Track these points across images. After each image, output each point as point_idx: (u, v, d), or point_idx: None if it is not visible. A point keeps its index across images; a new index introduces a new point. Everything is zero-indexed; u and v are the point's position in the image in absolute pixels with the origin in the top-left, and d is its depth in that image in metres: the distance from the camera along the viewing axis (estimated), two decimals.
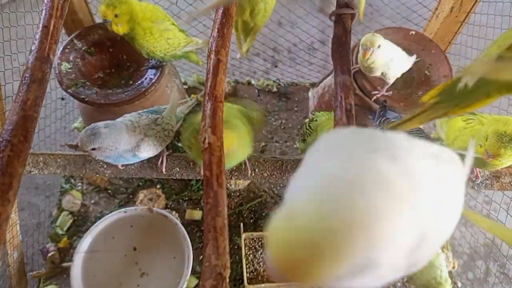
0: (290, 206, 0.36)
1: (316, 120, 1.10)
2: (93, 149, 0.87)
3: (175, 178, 1.09)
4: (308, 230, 0.33)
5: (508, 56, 0.53)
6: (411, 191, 0.36)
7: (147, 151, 0.95)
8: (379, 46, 1.04)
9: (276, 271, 0.35)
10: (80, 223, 1.44)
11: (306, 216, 0.34)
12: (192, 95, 1.62)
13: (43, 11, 0.84)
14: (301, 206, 0.35)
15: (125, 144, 0.90)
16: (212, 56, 0.81)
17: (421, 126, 1.16)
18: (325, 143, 0.46)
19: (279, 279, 0.37)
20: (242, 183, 1.48)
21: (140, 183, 1.50)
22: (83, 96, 1.22)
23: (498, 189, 1.06)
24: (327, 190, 0.35)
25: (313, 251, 0.32)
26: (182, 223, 1.27)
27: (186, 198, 1.47)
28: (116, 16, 1.05)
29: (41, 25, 0.83)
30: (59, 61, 1.27)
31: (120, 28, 1.08)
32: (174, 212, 1.41)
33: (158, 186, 1.48)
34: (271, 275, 0.38)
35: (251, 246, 1.34)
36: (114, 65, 1.40)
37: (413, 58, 1.19)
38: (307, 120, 1.17)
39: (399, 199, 0.35)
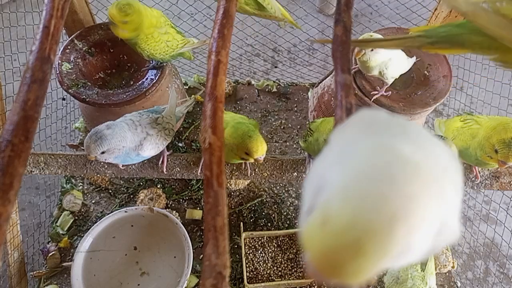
0: (324, 208, 0.36)
1: (315, 122, 1.11)
2: (102, 152, 0.87)
3: (175, 178, 1.10)
4: (349, 231, 0.33)
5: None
6: (434, 172, 0.37)
7: (150, 149, 0.95)
8: (371, 50, 1.04)
9: (321, 275, 0.35)
10: (81, 223, 1.44)
11: (344, 217, 0.34)
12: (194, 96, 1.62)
13: (44, 12, 0.85)
14: (336, 208, 0.35)
15: (130, 141, 0.91)
16: (213, 56, 0.81)
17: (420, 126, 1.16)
18: (341, 137, 0.45)
19: (324, 281, 0.37)
20: (242, 183, 1.48)
21: (141, 183, 1.50)
22: (84, 97, 1.22)
23: (498, 189, 1.06)
24: (359, 187, 0.35)
25: (357, 251, 0.32)
26: (182, 223, 1.27)
27: (187, 198, 1.48)
28: (124, 22, 1.05)
29: (41, 26, 0.83)
30: (60, 62, 1.28)
31: (124, 34, 1.07)
32: (174, 212, 1.42)
33: (158, 186, 1.49)
34: (315, 278, 0.39)
35: (251, 246, 1.35)
36: (115, 66, 1.40)
37: (412, 60, 1.19)
38: (307, 123, 1.18)
39: (427, 181, 0.35)
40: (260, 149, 0.93)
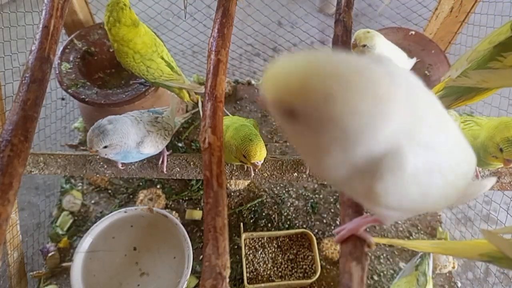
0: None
1: None
2: (105, 147, 0.87)
3: (175, 178, 1.09)
4: (319, 68, 0.38)
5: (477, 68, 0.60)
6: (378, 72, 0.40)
7: (150, 147, 0.95)
8: (364, 45, 1.02)
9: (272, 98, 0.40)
10: (80, 223, 1.44)
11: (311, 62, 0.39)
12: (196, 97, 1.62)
13: (43, 11, 0.84)
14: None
15: (133, 138, 0.91)
16: (212, 56, 0.81)
17: None
18: None
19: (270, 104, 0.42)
20: (242, 183, 1.48)
21: (140, 183, 1.50)
22: (83, 96, 1.22)
23: (498, 189, 1.06)
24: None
25: (327, 85, 0.37)
26: (182, 223, 1.27)
27: (186, 198, 1.48)
28: (109, 29, 1.06)
29: (41, 25, 0.83)
30: (59, 61, 1.28)
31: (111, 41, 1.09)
32: (174, 212, 1.41)
33: (158, 186, 1.48)
34: (269, 108, 0.43)
35: (251, 246, 1.34)
36: (114, 65, 1.40)
37: (413, 61, 1.19)
38: None
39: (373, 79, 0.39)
40: (259, 155, 0.91)
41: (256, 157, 0.91)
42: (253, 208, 1.46)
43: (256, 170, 1.06)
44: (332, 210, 1.47)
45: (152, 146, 0.96)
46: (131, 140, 0.91)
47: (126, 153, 0.93)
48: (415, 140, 0.43)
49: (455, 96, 0.67)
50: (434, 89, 0.70)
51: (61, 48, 1.31)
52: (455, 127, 0.52)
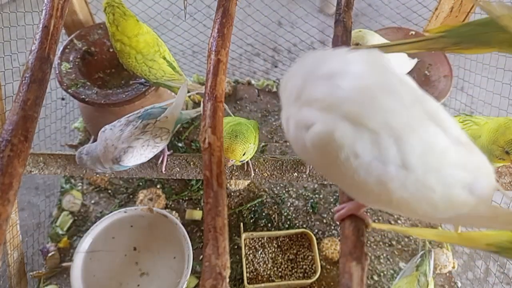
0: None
1: None
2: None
3: (175, 178, 1.09)
4: None
5: None
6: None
7: (134, 161, 0.95)
8: (357, 44, 1.02)
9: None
10: (80, 223, 1.44)
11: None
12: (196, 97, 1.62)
13: (43, 11, 0.85)
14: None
15: (104, 167, 0.97)
16: (212, 56, 0.81)
17: None
18: None
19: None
20: (242, 183, 1.48)
21: (140, 183, 1.50)
22: (83, 96, 1.22)
23: (498, 190, 1.05)
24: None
25: None
26: (182, 223, 1.27)
27: (186, 198, 1.48)
28: (117, 26, 1.06)
29: (41, 25, 0.83)
30: (59, 61, 1.28)
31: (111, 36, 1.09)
32: (174, 212, 1.41)
33: (158, 186, 1.48)
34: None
35: (251, 246, 1.34)
36: (114, 65, 1.40)
37: (414, 61, 1.18)
38: None
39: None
40: (234, 154, 0.89)
41: (231, 154, 0.90)
42: (253, 208, 1.46)
43: (256, 169, 1.07)
44: (332, 210, 1.47)
45: (138, 159, 0.96)
46: (101, 169, 0.98)
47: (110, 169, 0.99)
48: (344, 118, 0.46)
49: (454, 40, 0.65)
50: (435, 28, 0.68)
51: (61, 48, 1.31)
52: (444, 121, 0.49)
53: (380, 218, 1.44)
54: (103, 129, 0.99)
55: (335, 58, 0.50)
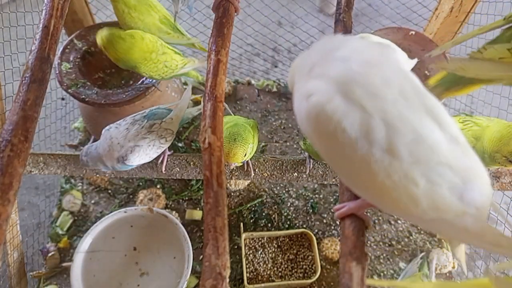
0: None
1: None
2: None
3: (175, 178, 1.09)
4: None
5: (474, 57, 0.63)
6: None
7: (139, 160, 0.95)
8: None
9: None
10: (80, 223, 1.44)
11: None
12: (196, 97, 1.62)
13: (43, 11, 0.84)
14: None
15: (106, 166, 0.97)
16: (212, 56, 0.81)
17: None
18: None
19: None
20: (242, 183, 1.48)
21: (140, 183, 1.50)
22: (83, 96, 1.22)
23: (498, 189, 1.06)
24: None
25: None
26: (182, 223, 1.27)
27: (186, 198, 1.48)
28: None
29: (41, 25, 0.83)
30: (59, 61, 1.28)
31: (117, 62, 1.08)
32: (174, 212, 1.41)
33: (158, 186, 1.48)
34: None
35: (251, 246, 1.34)
36: (114, 65, 1.39)
37: (414, 61, 1.18)
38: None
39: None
40: (232, 156, 0.89)
41: (232, 158, 0.90)
42: (253, 208, 1.46)
43: (256, 169, 1.07)
44: (332, 210, 1.47)
45: (142, 159, 0.96)
46: (105, 167, 0.98)
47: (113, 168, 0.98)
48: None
49: (445, 87, 0.72)
50: (433, 79, 0.76)
51: (61, 48, 1.31)
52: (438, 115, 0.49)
53: (380, 218, 1.44)
54: (107, 127, 0.98)
55: (353, 44, 0.53)
